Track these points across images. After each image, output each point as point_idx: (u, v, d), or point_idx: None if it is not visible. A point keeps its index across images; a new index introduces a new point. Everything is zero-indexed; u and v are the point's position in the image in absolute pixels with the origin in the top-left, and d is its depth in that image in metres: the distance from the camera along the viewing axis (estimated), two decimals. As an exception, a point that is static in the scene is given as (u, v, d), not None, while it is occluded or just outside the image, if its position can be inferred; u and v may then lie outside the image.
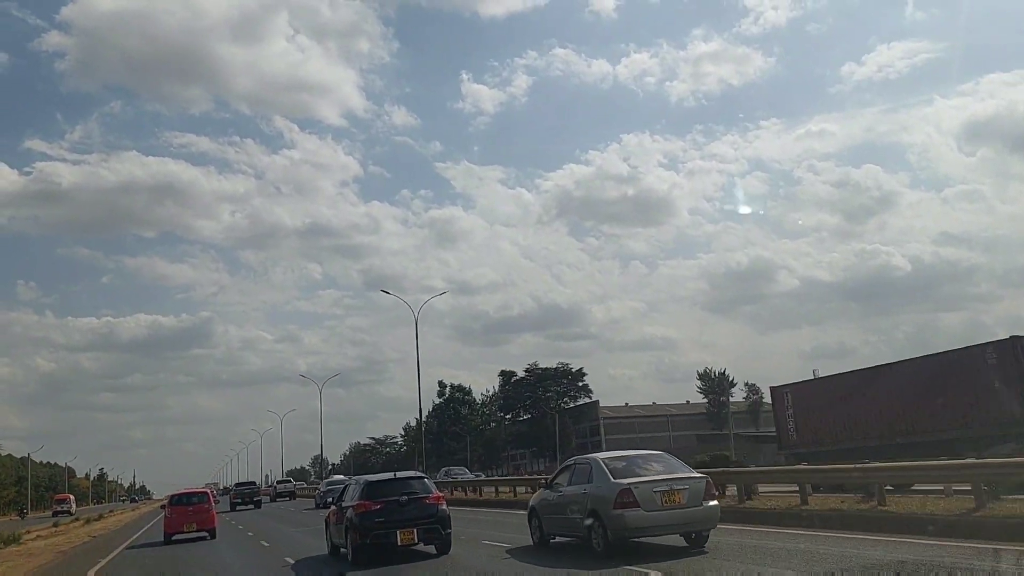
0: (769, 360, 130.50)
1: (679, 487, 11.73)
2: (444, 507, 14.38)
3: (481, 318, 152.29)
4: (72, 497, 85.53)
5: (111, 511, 69.15)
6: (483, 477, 53.13)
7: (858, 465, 16.31)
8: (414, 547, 14.10)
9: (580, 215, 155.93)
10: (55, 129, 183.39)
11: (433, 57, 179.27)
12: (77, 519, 49.64)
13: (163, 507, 25.99)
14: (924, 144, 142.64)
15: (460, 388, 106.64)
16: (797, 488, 16.91)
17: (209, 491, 27.41)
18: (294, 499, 61.13)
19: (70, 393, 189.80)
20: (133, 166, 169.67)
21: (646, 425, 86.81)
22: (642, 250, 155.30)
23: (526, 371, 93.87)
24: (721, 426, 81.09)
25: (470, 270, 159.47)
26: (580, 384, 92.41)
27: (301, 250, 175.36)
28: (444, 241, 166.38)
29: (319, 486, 50.09)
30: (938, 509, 13.30)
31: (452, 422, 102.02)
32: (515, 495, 30.50)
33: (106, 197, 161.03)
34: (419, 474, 16.71)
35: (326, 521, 16.83)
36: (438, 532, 14.03)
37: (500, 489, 34.78)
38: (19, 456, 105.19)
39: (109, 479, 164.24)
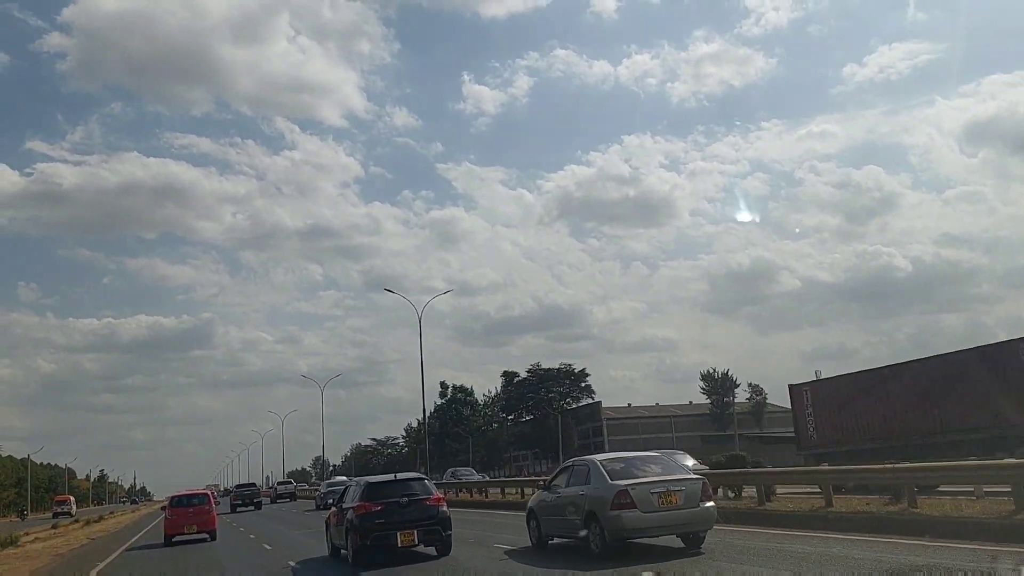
0: (770, 361, 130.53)
1: (676, 488, 11.80)
2: (445, 509, 14.38)
3: (482, 319, 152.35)
4: (72, 498, 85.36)
5: (111, 513, 69.02)
6: (487, 478, 52.77)
7: (890, 465, 15.61)
8: (414, 549, 14.08)
9: (581, 216, 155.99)
10: (56, 130, 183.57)
11: (434, 58, 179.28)
12: (77, 521, 49.39)
13: (164, 508, 25.85)
14: (925, 145, 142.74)
15: (462, 389, 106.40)
16: (818, 489, 16.47)
17: (210, 492, 27.22)
18: (294, 500, 61.13)
19: (71, 394, 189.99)
20: (134, 167, 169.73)
21: (649, 426, 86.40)
22: (643, 251, 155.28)
23: (528, 372, 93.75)
24: (725, 427, 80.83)
25: (471, 271, 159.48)
26: (583, 385, 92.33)
27: (302, 251, 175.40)
28: (445, 242, 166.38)
29: (319, 487, 49.84)
30: (974, 512, 12.72)
31: (454, 423, 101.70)
32: (523, 496, 29.69)
33: (107, 198, 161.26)
34: (420, 475, 16.68)
35: (326, 523, 16.82)
36: (438, 534, 14.01)
37: (507, 491, 33.89)
38: (19, 457, 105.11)
39: (109, 480, 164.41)
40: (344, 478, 50.84)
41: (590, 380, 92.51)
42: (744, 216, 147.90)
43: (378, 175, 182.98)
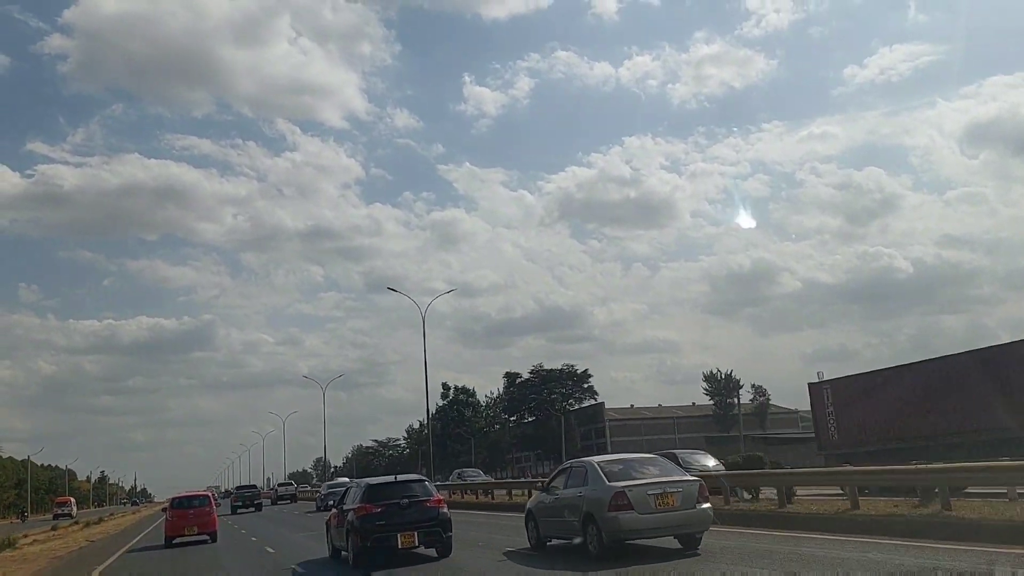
0: (771, 362, 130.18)
1: (672, 490, 11.89)
2: (445, 510, 14.38)
3: (483, 320, 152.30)
4: (73, 500, 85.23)
5: (111, 514, 68.75)
6: (490, 480, 52.44)
7: (922, 465, 15.07)
8: (415, 550, 14.07)
9: (582, 217, 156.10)
10: (57, 132, 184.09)
11: (435, 59, 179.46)
12: (76, 523, 49.17)
13: (164, 510, 25.71)
14: (926, 147, 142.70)
15: (464, 390, 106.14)
16: (840, 491, 16.04)
17: (210, 494, 27.01)
18: (295, 502, 61.10)
19: (71, 396, 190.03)
20: (135, 168, 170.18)
21: (652, 427, 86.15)
22: (644, 252, 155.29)
23: (531, 372, 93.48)
24: (728, 428, 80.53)
25: (472, 272, 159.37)
26: (585, 386, 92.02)
27: (303, 252, 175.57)
28: (446, 243, 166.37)
29: (320, 489, 49.68)
30: (1015, 514, 12.05)
31: (456, 424, 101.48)
32: (530, 498, 29.16)
33: (108, 200, 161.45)
34: (420, 477, 16.66)
35: (327, 524, 16.82)
36: (439, 535, 14.00)
37: (514, 492, 32.94)
38: (20, 459, 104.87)
39: (110, 482, 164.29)
40: (346, 479, 50.68)
41: (592, 381, 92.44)
42: (745, 220, 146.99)
43: (379, 176, 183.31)
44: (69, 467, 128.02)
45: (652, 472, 12.44)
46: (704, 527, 12.15)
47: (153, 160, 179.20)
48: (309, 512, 39.18)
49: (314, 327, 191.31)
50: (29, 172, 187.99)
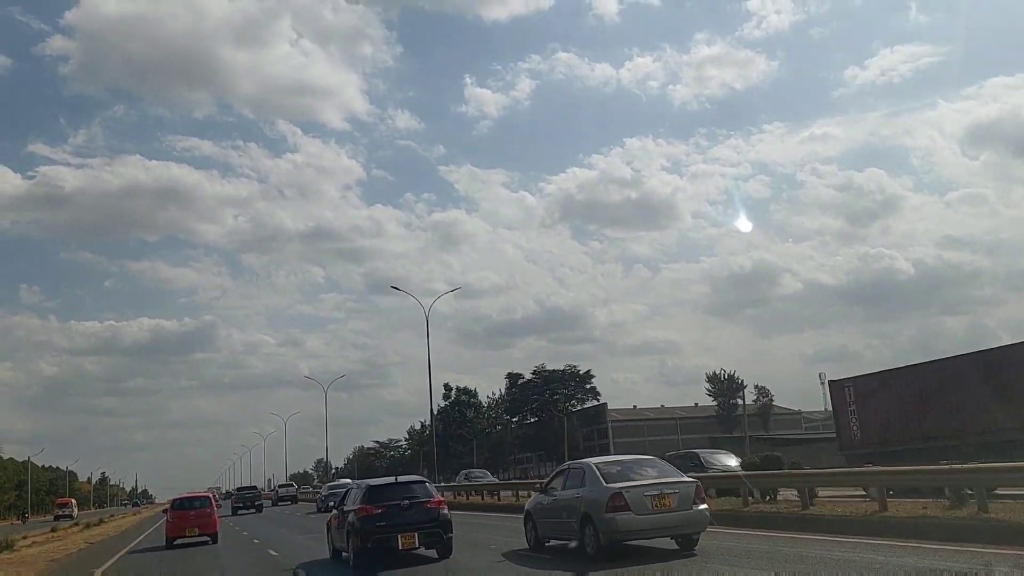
0: (771, 363, 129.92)
1: (669, 491, 11.98)
2: (446, 511, 14.41)
3: (483, 321, 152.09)
4: (74, 501, 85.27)
5: (111, 516, 68.51)
6: (497, 481, 52.18)
7: (957, 466, 14.37)
8: (415, 551, 14.09)
9: (583, 218, 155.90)
10: (58, 133, 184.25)
11: (436, 61, 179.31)
12: (76, 524, 48.95)
13: (165, 511, 25.73)
14: (927, 148, 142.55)
15: (466, 391, 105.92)
16: (862, 492, 15.60)
17: (211, 495, 26.88)
18: (295, 503, 61.19)
19: (72, 397, 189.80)
20: (136, 170, 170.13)
21: (655, 428, 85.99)
22: (645, 253, 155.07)
23: (533, 373, 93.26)
24: (731, 429, 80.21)
25: (473, 273, 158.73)
26: (588, 387, 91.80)
27: (304, 254, 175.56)
28: (447, 244, 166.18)
29: (321, 490, 49.55)
30: None
31: (458, 425, 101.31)
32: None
33: (109, 201, 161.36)
34: (420, 478, 16.65)
35: (328, 525, 16.83)
36: (439, 536, 14.03)
37: (520, 493, 32.30)
38: (20, 460, 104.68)
39: (111, 483, 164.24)
40: (348, 480, 50.53)
41: (594, 382, 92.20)
42: (745, 222, 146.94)
43: (380, 177, 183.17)
44: (70, 468, 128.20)
45: (649, 473, 12.53)
46: (701, 528, 12.23)
47: (154, 161, 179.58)
48: (310, 513, 39.17)
49: (315, 328, 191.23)
50: (30, 173, 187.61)
